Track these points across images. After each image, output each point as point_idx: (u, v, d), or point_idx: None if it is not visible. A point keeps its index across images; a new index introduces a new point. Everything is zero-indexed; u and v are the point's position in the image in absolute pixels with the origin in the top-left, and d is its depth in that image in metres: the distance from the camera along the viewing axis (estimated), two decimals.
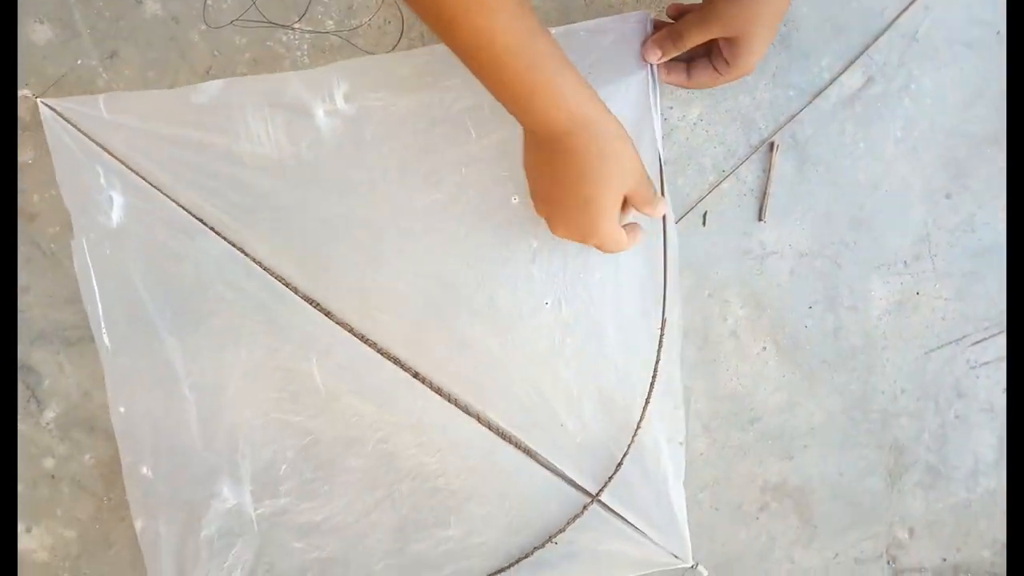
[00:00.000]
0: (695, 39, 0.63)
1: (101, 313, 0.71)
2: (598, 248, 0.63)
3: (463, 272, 0.69)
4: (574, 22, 0.69)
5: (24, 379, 0.77)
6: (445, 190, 0.69)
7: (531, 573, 0.71)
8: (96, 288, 0.70)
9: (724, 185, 0.76)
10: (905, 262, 0.77)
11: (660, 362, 0.70)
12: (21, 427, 0.77)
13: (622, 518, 0.71)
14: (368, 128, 0.68)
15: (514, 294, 0.69)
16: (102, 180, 0.69)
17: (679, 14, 0.66)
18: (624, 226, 0.63)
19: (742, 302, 0.77)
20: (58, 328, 0.76)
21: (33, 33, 0.72)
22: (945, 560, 0.80)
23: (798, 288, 0.77)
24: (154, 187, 0.68)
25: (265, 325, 0.69)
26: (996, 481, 0.79)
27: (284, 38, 0.73)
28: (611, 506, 0.71)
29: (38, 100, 0.68)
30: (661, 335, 0.69)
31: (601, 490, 0.70)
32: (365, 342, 0.69)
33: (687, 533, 0.73)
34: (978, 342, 0.78)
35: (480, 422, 0.70)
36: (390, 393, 0.70)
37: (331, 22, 0.73)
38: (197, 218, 0.68)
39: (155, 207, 0.69)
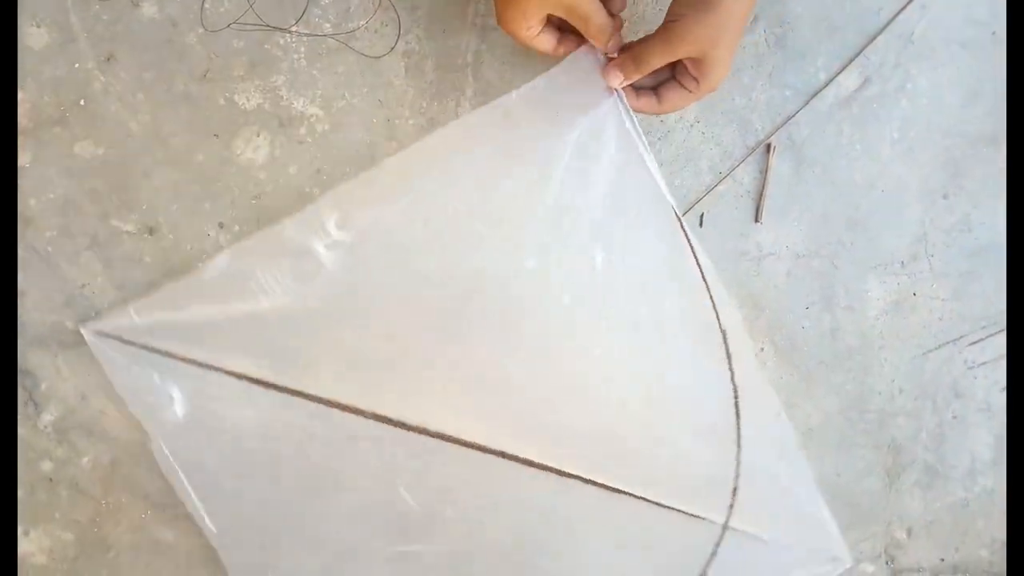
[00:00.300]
0: (657, 61, 0.62)
1: (202, 509, 0.73)
2: (517, 41, 0.64)
3: (521, 353, 0.69)
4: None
5: (21, 382, 0.77)
6: (460, 283, 0.68)
7: None
8: (187, 484, 0.72)
9: (720, 187, 0.76)
10: (902, 262, 0.77)
11: (736, 375, 0.69)
12: (19, 430, 0.77)
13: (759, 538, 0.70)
14: (370, 245, 0.69)
15: (584, 360, 0.69)
16: (156, 379, 0.70)
17: (606, 65, 0.66)
18: (564, 34, 0.64)
19: (739, 303, 0.77)
20: (55, 331, 0.76)
21: (29, 37, 0.72)
22: (943, 560, 0.80)
23: (795, 289, 0.77)
24: (204, 366, 0.69)
25: (352, 462, 0.70)
26: (994, 480, 0.79)
27: (281, 41, 0.73)
28: (742, 528, 0.69)
29: (80, 328, 0.70)
30: (726, 345, 0.68)
31: (728, 518, 0.69)
32: (469, 446, 0.69)
33: (838, 532, 0.71)
34: (975, 342, 0.78)
35: (599, 486, 0.69)
36: (499, 493, 0.70)
37: (328, 25, 0.73)
38: (255, 380, 0.69)
39: (212, 387, 0.69)
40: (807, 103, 0.76)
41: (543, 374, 0.69)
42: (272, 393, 0.71)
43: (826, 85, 0.76)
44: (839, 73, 0.75)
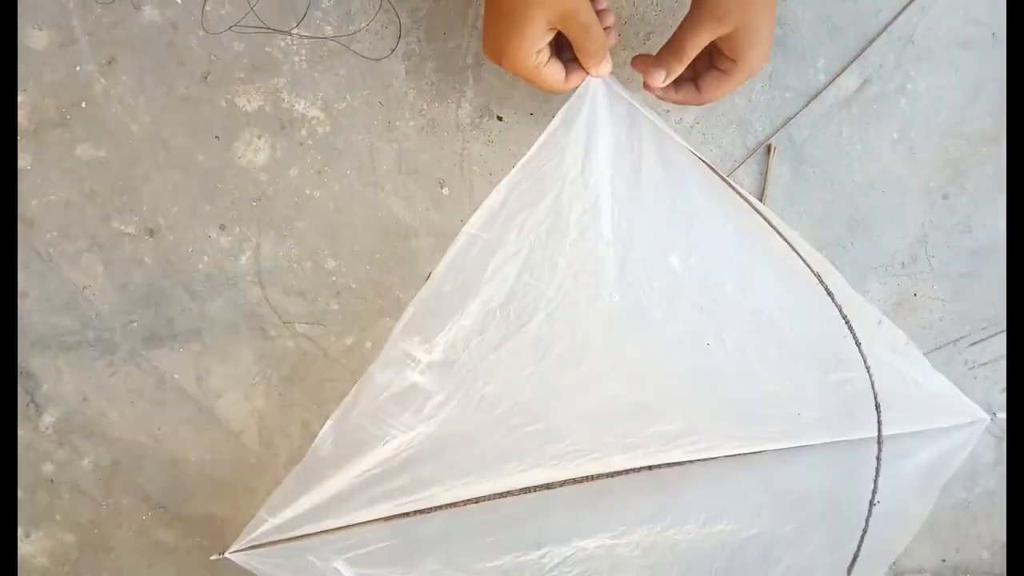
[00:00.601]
0: (696, 46, 0.59)
1: None
2: (526, 80, 0.57)
3: (633, 376, 0.67)
4: None
5: (22, 384, 0.77)
6: (558, 341, 0.65)
7: (874, 543, 0.67)
8: None
9: None
10: (902, 263, 0.77)
11: (840, 305, 0.66)
12: (20, 432, 0.77)
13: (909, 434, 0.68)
14: (461, 351, 0.65)
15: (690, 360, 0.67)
16: (316, 562, 0.69)
17: (646, 66, 0.61)
18: (568, 65, 0.57)
19: None
20: (56, 333, 0.76)
21: (31, 39, 0.73)
22: (944, 561, 0.80)
23: None
24: (351, 527, 0.68)
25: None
26: (994, 482, 0.79)
27: (282, 43, 0.74)
28: (891, 433, 0.67)
29: (228, 555, 0.68)
30: (823, 284, 0.65)
31: (880, 432, 0.66)
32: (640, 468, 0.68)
33: (959, 392, 0.69)
34: (976, 343, 0.78)
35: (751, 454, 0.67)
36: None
37: (329, 27, 0.74)
38: (403, 515, 0.68)
39: (368, 538, 0.69)
40: (807, 104, 0.76)
41: (659, 384, 0.67)
42: (426, 516, 0.68)
43: (826, 86, 0.76)
44: (839, 74, 0.75)
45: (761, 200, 0.76)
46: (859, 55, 0.75)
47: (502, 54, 0.56)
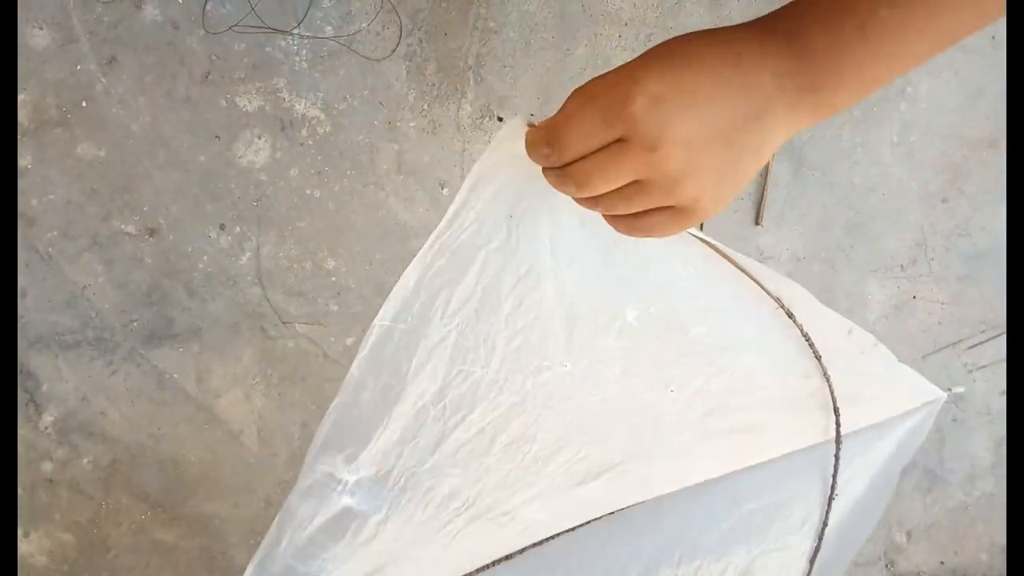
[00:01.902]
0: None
1: None
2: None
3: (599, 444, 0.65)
4: (571, 28, 0.69)
5: (22, 383, 0.77)
6: (503, 418, 0.63)
7: (848, 524, 0.68)
8: None
9: None
10: (902, 266, 0.78)
11: (801, 325, 0.64)
12: (19, 431, 0.77)
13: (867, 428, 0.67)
14: (397, 463, 0.61)
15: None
16: None
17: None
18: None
19: None
20: (56, 332, 0.76)
21: (32, 38, 0.73)
22: (943, 563, 0.80)
23: None
24: None
25: None
26: (993, 485, 0.79)
27: (283, 43, 0.74)
28: (851, 430, 0.65)
29: None
30: (784, 308, 0.64)
31: (839, 432, 0.65)
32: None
33: (920, 376, 0.69)
34: (974, 346, 0.78)
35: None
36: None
37: (330, 28, 0.74)
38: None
39: None
40: None
41: (623, 440, 0.65)
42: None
43: None
44: None
45: (761, 203, 0.76)
46: None
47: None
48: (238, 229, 0.75)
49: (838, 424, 0.67)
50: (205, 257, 0.76)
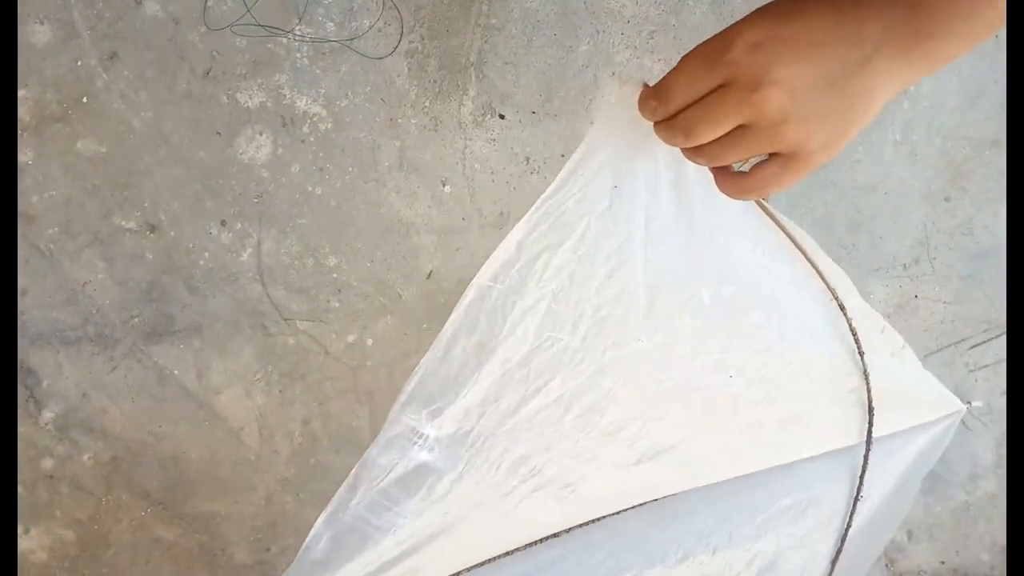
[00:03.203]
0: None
1: None
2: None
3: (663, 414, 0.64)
4: (574, 25, 0.69)
5: (23, 380, 0.77)
6: (579, 392, 0.60)
7: (869, 529, 0.67)
8: None
9: None
10: (904, 265, 0.77)
11: (850, 319, 0.63)
12: (20, 428, 0.77)
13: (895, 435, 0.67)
14: (477, 424, 0.61)
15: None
16: None
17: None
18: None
19: None
20: (56, 328, 0.76)
21: (33, 34, 0.72)
22: (944, 563, 0.80)
23: None
24: None
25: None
26: (995, 484, 0.79)
27: (284, 40, 0.73)
28: (878, 435, 0.65)
29: None
30: (836, 299, 0.63)
31: (870, 434, 0.64)
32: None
33: (942, 387, 0.69)
34: (976, 345, 0.78)
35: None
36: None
37: (332, 24, 0.73)
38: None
39: None
40: None
41: (681, 423, 0.64)
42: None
43: None
44: None
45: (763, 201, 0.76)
46: None
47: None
48: (239, 225, 0.75)
49: (871, 425, 0.66)
50: (206, 254, 0.76)
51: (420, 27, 0.74)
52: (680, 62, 0.34)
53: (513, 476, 0.60)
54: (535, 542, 0.64)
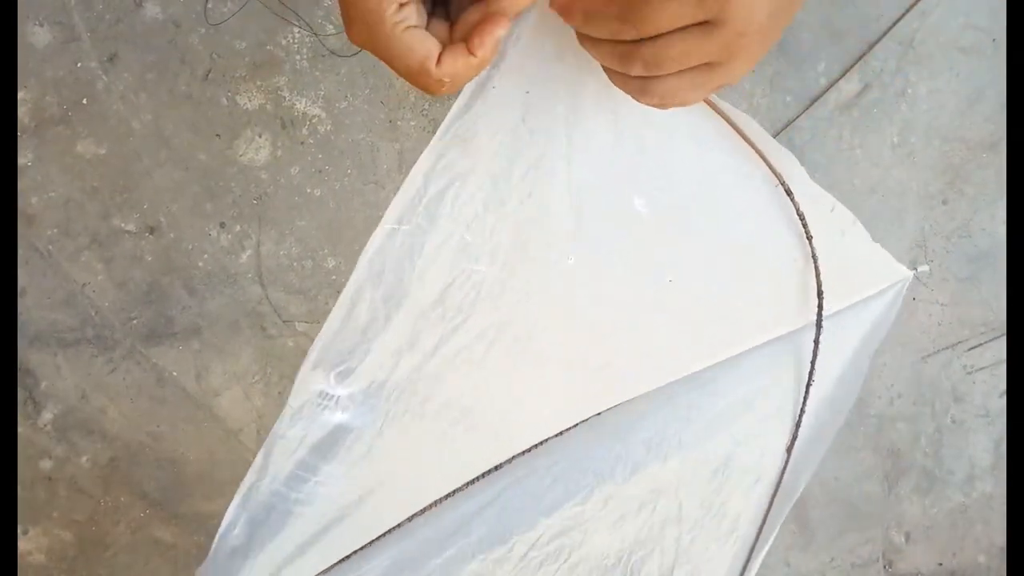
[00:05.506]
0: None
1: None
2: (384, 60, 0.32)
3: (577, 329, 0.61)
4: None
5: (22, 381, 0.77)
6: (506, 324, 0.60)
7: (822, 412, 0.66)
8: None
9: None
10: None
11: (798, 203, 0.61)
12: (19, 429, 0.77)
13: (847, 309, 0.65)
14: (392, 374, 0.59)
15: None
16: None
17: None
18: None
19: None
20: (55, 330, 0.76)
21: (32, 36, 0.73)
22: (941, 565, 0.80)
23: None
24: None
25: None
26: (992, 486, 0.79)
27: (283, 42, 0.74)
28: (827, 314, 0.64)
29: None
30: (783, 184, 0.61)
31: (820, 316, 0.63)
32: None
33: (888, 255, 0.68)
34: (974, 347, 0.78)
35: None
36: None
37: (331, 26, 0.74)
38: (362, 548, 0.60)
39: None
40: (808, 108, 0.76)
41: (618, 339, 0.61)
42: (368, 557, 0.60)
43: (827, 90, 0.76)
44: (840, 78, 0.76)
45: None
46: (860, 59, 0.76)
47: (348, 15, 0.30)
48: (238, 227, 0.75)
49: (820, 308, 0.63)
50: (205, 255, 0.76)
51: None
52: None
53: (441, 420, 0.56)
54: (476, 479, 0.59)
